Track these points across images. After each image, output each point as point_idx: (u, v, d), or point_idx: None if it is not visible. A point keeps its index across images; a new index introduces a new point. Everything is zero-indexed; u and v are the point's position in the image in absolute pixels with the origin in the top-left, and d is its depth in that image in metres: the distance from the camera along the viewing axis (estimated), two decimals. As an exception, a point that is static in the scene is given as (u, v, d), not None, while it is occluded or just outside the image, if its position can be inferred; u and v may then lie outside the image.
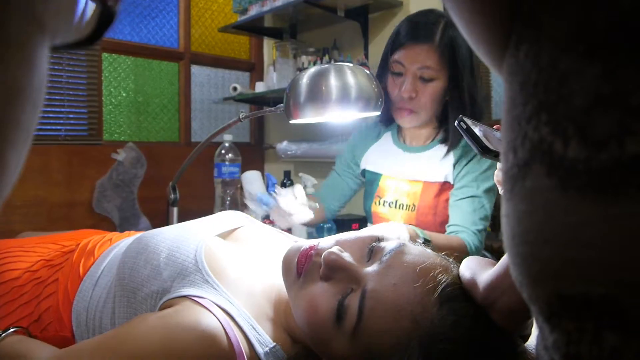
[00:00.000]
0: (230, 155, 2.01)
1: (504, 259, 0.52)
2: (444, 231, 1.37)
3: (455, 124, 0.68)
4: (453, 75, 1.34)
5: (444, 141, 1.43)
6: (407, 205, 1.45)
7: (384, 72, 1.45)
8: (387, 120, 1.54)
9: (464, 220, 1.29)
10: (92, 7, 0.23)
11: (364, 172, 1.60)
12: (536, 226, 0.24)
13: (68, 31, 0.23)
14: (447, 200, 1.39)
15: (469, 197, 1.32)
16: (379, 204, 1.51)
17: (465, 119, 0.66)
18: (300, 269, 0.63)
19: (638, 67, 0.21)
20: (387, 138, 1.56)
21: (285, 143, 2.78)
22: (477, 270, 0.57)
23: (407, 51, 1.34)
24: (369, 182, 1.57)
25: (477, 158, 1.35)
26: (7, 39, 0.17)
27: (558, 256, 0.23)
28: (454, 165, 1.39)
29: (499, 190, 0.77)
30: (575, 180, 0.22)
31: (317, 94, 0.86)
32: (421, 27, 1.34)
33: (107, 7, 0.23)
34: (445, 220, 1.39)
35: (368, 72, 0.91)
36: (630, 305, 0.21)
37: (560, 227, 0.23)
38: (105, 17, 0.23)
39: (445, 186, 1.40)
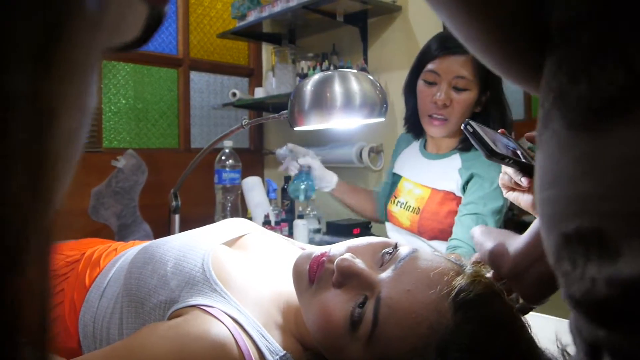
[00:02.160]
0: (230, 161, 2.01)
1: (534, 225, 0.51)
2: (443, 237, 1.42)
3: (462, 127, 0.68)
4: (484, 87, 1.41)
5: (462, 150, 1.47)
6: (413, 208, 1.50)
7: (411, 84, 1.52)
8: (416, 132, 1.61)
9: (465, 236, 1.31)
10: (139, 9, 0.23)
11: (393, 175, 1.68)
12: (551, 166, 0.26)
13: (120, 35, 0.23)
14: (449, 210, 1.43)
15: (473, 214, 1.34)
16: (394, 203, 1.59)
17: (472, 122, 0.67)
18: (313, 276, 0.63)
19: None
20: (415, 145, 1.65)
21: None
22: (503, 239, 0.55)
23: (443, 61, 1.41)
24: (393, 183, 1.65)
25: (486, 177, 1.37)
26: (73, 49, 0.17)
27: (564, 194, 0.25)
28: (459, 170, 1.41)
29: (504, 193, 0.77)
30: (580, 118, 0.24)
31: (321, 101, 0.86)
32: (457, 40, 1.37)
33: (155, 9, 0.23)
34: (445, 228, 1.43)
35: (372, 78, 0.91)
36: (612, 236, 0.22)
37: (567, 162, 0.25)
38: (153, 19, 0.23)
39: (449, 196, 1.44)
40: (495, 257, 0.56)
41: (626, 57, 0.22)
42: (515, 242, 0.53)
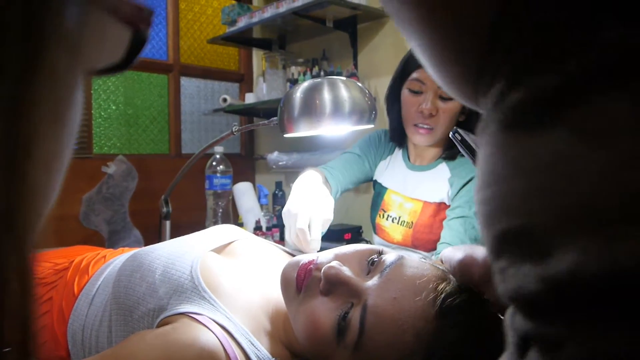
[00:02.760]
0: (221, 167, 2.01)
1: None
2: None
3: (450, 135, 0.69)
4: None
5: (447, 159, 1.45)
6: (406, 222, 1.48)
7: (395, 93, 1.48)
8: (399, 141, 1.56)
9: (453, 240, 1.31)
10: (121, 33, 0.23)
11: (374, 182, 1.63)
12: (487, 167, 0.27)
13: (101, 58, 0.23)
14: (442, 219, 1.41)
15: (460, 217, 1.33)
16: (383, 217, 1.55)
17: (459, 130, 0.68)
18: (300, 283, 0.63)
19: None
20: (397, 154, 1.59)
21: (276, 154, 2.78)
22: (472, 250, 0.56)
23: None
24: (376, 193, 1.61)
25: (473, 181, 1.36)
26: (53, 73, 0.18)
27: (497, 194, 0.26)
28: (449, 180, 1.41)
29: None
30: (513, 120, 0.25)
31: (311, 108, 0.86)
32: None
33: (138, 32, 0.24)
34: (439, 239, 1.41)
35: (361, 85, 0.92)
36: (542, 233, 0.23)
37: (500, 163, 0.26)
38: (136, 41, 0.24)
39: (442, 206, 1.43)
40: (465, 267, 0.57)
41: (559, 62, 0.23)
42: (484, 250, 0.54)
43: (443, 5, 0.30)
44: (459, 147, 0.67)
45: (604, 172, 0.21)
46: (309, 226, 0.97)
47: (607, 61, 0.22)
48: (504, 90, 0.26)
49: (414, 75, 1.40)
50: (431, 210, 1.44)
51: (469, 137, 0.67)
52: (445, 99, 1.38)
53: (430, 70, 0.35)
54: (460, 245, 0.62)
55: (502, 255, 0.26)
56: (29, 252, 0.18)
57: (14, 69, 0.16)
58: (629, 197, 0.20)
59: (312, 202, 1.03)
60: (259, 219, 2.19)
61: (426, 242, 1.43)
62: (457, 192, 1.38)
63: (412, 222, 1.46)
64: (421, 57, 0.34)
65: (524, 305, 0.25)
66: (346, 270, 0.61)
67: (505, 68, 0.27)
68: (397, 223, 1.50)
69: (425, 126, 1.40)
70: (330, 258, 0.64)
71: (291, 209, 0.98)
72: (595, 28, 0.22)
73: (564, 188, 0.22)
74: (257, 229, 2.13)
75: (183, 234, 0.88)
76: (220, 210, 2.05)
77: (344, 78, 0.91)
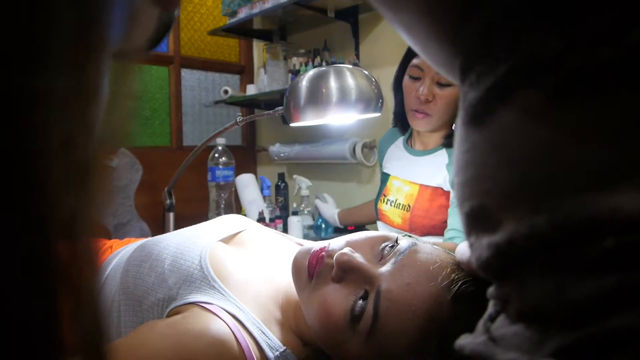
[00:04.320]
0: (223, 158, 2.00)
1: None
2: (436, 234, 1.43)
3: (454, 128, 0.70)
4: None
5: (447, 146, 1.47)
6: (404, 205, 1.51)
7: (399, 79, 1.54)
8: (403, 126, 1.63)
9: (460, 226, 1.31)
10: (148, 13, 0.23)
11: (382, 173, 1.70)
12: (456, 157, 0.31)
13: (129, 38, 0.23)
14: (439, 205, 1.44)
15: None
16: (384, 201, 1.60)
17: None
18: (312, 271, 0.63)
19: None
20: (399, 142, 1.66)
21: (277, 145, 2.77)
22: None
23: None
24: (382, 181, 1.67)
25: None
26: (83, 47, 0.17)
27: (461, 181, 0.30)
28: (447, 166, 1.42)
29: None
30: (469, 114, 0.29)
31: (317, 97, 0.86)
32: None
33: (165, 12, 0.23)
34: (436, 224, 1.44)
35: (367, 73, 0.91)
36: (493, 210, 0.27)
37: (461, 154, 0.30)
38: (164, 22, 0.23)
39: (438, 191, 1.45)
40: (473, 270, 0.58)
41: (506, 54, 0.26)
42: None
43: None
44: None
45: (529, 156, 0.25)
46: None
47: (524, 64, 0.25)
48: (467, 87, 0.30)
49: (414, 61, 1.45)
50: (428, 194, 1.46)
51: None
52: (442, 85, 1.40)
53: (422, 56, 0.39)
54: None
55: (471, 232, 0.30)
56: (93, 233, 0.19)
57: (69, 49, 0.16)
58: (546, 178, 0.24)
59: None
60: (262, 211, 2.19)
61: (422, 226, 1.45)
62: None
63: (409, 205, 1.49)
64: (408, 40, 0.38)
65: (484, 270, 0.30)
66: (358, 257, 0.61)
67: (470, 67, 0.30)
68: (394, 206, 1.54)
69: (422, 111, 1.44)
70: (342, 245, 0.64)
71: None
72: (519, 36, 0.26)
73: (502, 172, 0.26)
74: (260, 220, 2.13)
75: (187, 226, 0.87)
76: (223, 202, 2.05)
77: (350, 66, 0.90)
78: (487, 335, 0.30)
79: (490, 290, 0.33)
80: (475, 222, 0.29)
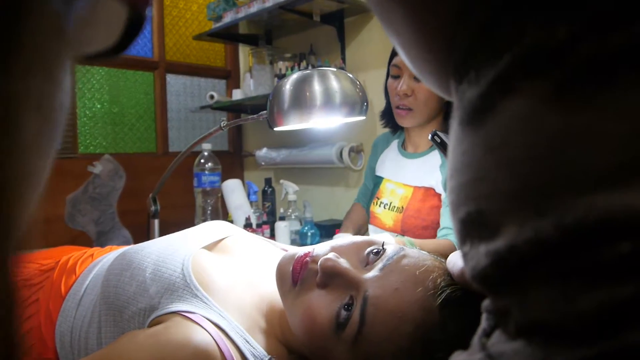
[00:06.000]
0: (209, 164, 1.98)
1: None
2: (427, 235, 1.43)
3: (429, 138, 0.72)
4: None
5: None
6: (397, 208, 1.52)
7: (387, 82, 1.59)
8: (393, 127, 1.67)
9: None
10: (116, 13, 0.21)
11: (376, 177, 1.72)
12: (450, 159, 0.30)
13: (94, 41, 0.21)
14: (431, 206, 1.45)
15: None
16: (377, 204, 1.61)
17: (438, 132, 0.70)
18: (296, 277, 0.62)
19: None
20: (394, 145, 1.69)
21: (264, 150, 2.76)
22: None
23: None
24: (375, 184, 1.69)
25: None
26: (34, 54, 0.16)
27: (456, 184, 0.28)
28: (440, 167, 1.43)
29: None
30: (466, 115, 0.28)
31: (301, 100, 0.85)
32: None
33: (135, 11, 0.22)
34: (429, 225, 1.44)
35: (352, 76, 0.90)
36: (491, 215, 0.25)
37: (457, 156, 0.28)
38: (133, 23, 0.22)
39: (429, 192, 1.46)
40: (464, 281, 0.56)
41: (509, 45, 0.25)
42: None
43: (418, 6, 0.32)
44: (438, 150, 0.69)
45: (534, 154, 0.23)
46: None
47: (524, 59, 0.24)
48: (461, 86, 0.29)
49: (393, 61, 1.52)
50: (420, 194, 1.48)
51: (447, 139, 0.68)
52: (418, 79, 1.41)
53: (411, 67, 0.38)
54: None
55: (465, 240, 0.28)
56: (11, 252, 0.16)
57: None
58: (552, 177, 0.22)
59: None
60: (249, 216, 2.17)
61: (414, 227, 1.46)
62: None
63: (402, 207, 1.50)
64: (400, 52, 0.37)
65: (480, 281, 0.28)
66: (343, 262, 0.60)
67: (465, 67, 0.29)
68: (388, 209, 1.55)
69: (404, 107, 1.49)
70: (327, 250, 0.62)
71: None
72: (520, 30, 0.24)
73: (502, 173, 0.25)
74: (247, 226, 2.11)
75: (172, 233, 0.86)
76: (209, 207, 2.03)
77: (334, 69, 0.89)
78: (483, 352, 0.28)
79: (486, 303, 0.31)
80: (472, 229, 0.27)
